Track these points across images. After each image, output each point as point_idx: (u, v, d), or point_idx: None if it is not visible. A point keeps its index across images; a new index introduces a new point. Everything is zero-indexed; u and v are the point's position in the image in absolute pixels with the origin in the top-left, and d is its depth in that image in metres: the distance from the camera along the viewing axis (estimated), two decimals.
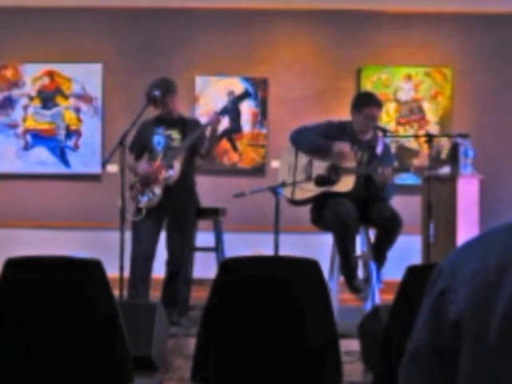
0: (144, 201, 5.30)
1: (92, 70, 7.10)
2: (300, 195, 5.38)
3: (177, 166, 5.31)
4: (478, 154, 6.31)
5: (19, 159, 7.13)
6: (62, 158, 7.14)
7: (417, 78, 7.13)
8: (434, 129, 7.01)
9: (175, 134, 5.43)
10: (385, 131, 5.54)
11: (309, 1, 7.00)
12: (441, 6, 7.02)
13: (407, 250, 5.99)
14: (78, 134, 7.13)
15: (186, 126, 5.46)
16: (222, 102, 6.72)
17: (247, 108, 7.04)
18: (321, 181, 5.35)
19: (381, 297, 5.37)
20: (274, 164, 6.81)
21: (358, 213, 5.21)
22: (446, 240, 6.03)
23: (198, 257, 5.80)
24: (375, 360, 3.41)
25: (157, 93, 5.31)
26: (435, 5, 7.00)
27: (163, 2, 7.04)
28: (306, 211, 5.50)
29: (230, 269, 3.27)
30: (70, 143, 7.14)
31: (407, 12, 7.10)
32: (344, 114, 5.67)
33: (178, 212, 5.36)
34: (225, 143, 7.00)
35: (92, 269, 3.18)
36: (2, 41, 7.15)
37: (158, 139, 5.43)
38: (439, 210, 5.88)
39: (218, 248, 5.73)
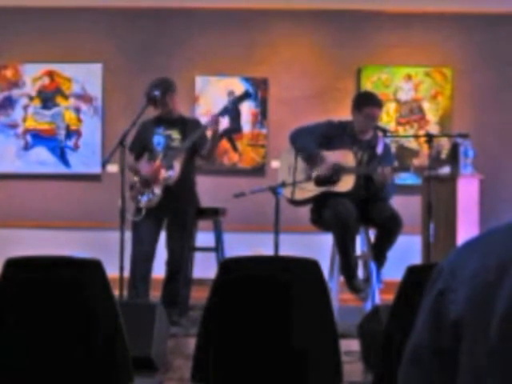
0: (144, 201, 5.30)
1: (92, 70, 7.10)
2: (300, 195, 5.38)
3: (177, 166, 5.31)
4: (478, 153, 6.31)
5: (19, 159, 7.13)
6: (62, 158, 7.14)
7: (417, 77, 7.13)
8: (433, 129, 7.01)
9: (175, 134, 5.43)
10: (385, 131, 5.54)
11: (309, 1, 7.00)
12: (441, 5, 7.02)
13: (407, 250, 5.99)
14: (77, 133, 7.13)
15: (186, 125, 5.46)
16: (221, 102, 6.72)
17: (247, 108, 7.04)
18: (321, 181, 5.35)
19: (381, 297, 5.37)
20: (274, 164, 6.81)
21: (358, 213, 5.21)
22: (446, 240, 6.03)
23: (198, 257, 5.80)
24: (375, 360, 3.41)
25: (157, 93, 5.31)
26: (435, 5, 7.00)
27: (163, 2, 7.04)
28: (305, 211, 5.50)
29: (230, 269, 3.27)
30: (70, 143, 7.14)
31: (407, 12, 7.11)
32: (344, 114, 5.67)
33: (178, 212, 5.36)
34: (225, 143, 7.00)
35: (92, 269, 3.18)
36: (2, 41, 7.15)
37: (158, 139, 5.43)
38: (439, 210, 5.88)
39: (218, 248, 5.73)
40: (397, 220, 5.19)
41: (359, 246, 5.46)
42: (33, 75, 7.14)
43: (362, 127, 5.40)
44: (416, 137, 6.86)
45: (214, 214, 5.70)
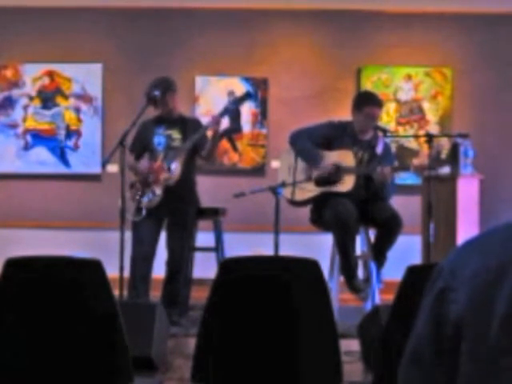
0: (145, 201, 5.30)
1: (92, 70, 7.10)
2: (300, 195, 5.38)
3: (177, 166, 5.31)
4: (478, 153, 6.31)
5: (19, 159, 7.13)
6: (62, 158, 7.14)
7: (417, 77, 7.13)
8: (434, 129, 7.01)
9: (175, 134, 5.43)
10: (385, 131, 5.54)
11: (309, 1, 7.00)
12: (441, 5, 7.02)
13: (407, 250, 5.99)
14: (78, 134, 7.14)
15: (186, 125, 5.46)
16: (221, 102, 6.73)
17: (247, 108, 7.04)
18: (321, 181, 5.35)
19: (381, 297, 5.37)
20: (274, 164, 6.81)
21: (358, 213, 5.22)
22: (446, 240, 6.03)
23: (198, 257, 5.80)
24: (375, 360, 3.41)
25: (157, 93, 5.31)
26: (435, 5, 7.00)
27: (163, 2, 7.04)
28: (305, 211, 5.50)
29: (230, 269, 3.27)
30: (70, 143, 7.14)
31: (407, 12, 7.11)
32: (344, 114, 5.67)
33: (178, 212, 5.36)
34: (225, 143, 7.00)
35: (92, 269, 3.18)
36: (2, 41, 7.15)
37: (159, 139, 5.43)
38: (439, 210, 5.88)
39: (218, 248, 5.73)
40: (397, 220, 5.19)
41: (359, 246, 5.46)
42: (33, 75, 7.14)
43: (362, 127, 5.40)
44: (416, 137, 6.86)
45: (213, 214, 5.70)
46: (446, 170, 6.21)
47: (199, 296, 5.06)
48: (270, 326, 3.20)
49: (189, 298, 5.51)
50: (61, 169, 7.14)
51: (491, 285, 0.93)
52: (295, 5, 7.05)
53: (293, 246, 5.68)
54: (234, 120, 7.03)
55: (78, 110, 7.14)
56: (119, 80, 7.13)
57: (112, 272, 3.65)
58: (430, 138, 5.22)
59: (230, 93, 7.02)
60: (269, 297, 3.22)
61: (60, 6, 7.09)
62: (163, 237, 5.40)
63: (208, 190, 6.26)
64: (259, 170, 7.11)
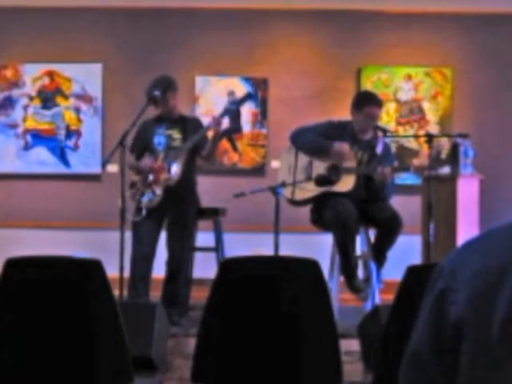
0: (145, 201, 5.30)
1: (92, 70, 7.10)
2: (300, 195, 5.38)
3: (178, 167, 5.31)
4: (478, 153, 6.31)
5: (19, 159, 7.13)
6: (62, 158, 7.14)
7: (417, 77, 7.13)
8: (434, 129, 7.01)
9: (176, 134, 5.43)
10: (385, 131, 5.55)
11: (309, 1, 7.00)
12: (441, 5, 7.02)
13: (407, 250, 5.99)
14: (78, 134, 7.14)
15: (187, 125, 5.46)
16: (222, 102, 6.74)
17: (247, 108, 7.03)
18: (321, 181, 5.35)
19: (381, 297, 5.37)
20: (274, 164, 6.81)
21: (358, 213, 5.21)
22: (446, 240, 6.03)
23: (198, 257, 5.80)
24: (375, 360, 3.41)
25: (157, 93, 5.30)
26: (435, 5, 7.00)
27: (163, 2, 7.04)
28: (305, 211, 5.50)
29: (230, 269, 3.27)
30: (70, 143, 7.14)
31: (407, 12, 7.11)
32: (344, 114, 5.67)
33: (178, 212, 5.36)
34: (225, 143, 7.00)
35: (92, 269, 3.18)
36: (2, 41, 7.15)
37: (159, 139, 5.43)
38: (439, 210, 5.88)
39: (218, 248, 5.73)
40: (397, 220, 5.19)
41: (359, 246, 5.46)
42: (33, 75, 7.14)
43: (362, 127, 5.40)
44: (416, 137, 6.86)
45: (213, 213, 5.70)
46: (445, 170, 6.21)
47: (199, 296, 5.06)
48: (270, 326, 3.20)
49: (189, 298, 5.51)
50: (61, 169, 7.14)
51: (492, 285, 0.93)
52: (295, 5, 7.05)
53: (293, 246, 5.68)
54: (234, 120, 7.03)
55: (78, 110, 7.14)
56: (119, 80, 7.13)
57: (112, 272, 3.65)
58: (429, 137, 5.22)
59: (230, 93, 7.03)
60: (269, 297, 3.22)
61: (60, 5, 7.09)
62: (163, 237, 5.40)
63: (208, 190, 6.26)
64: (259, 170, 7.11)
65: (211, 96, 7.08)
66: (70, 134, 7.14)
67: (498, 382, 0.91)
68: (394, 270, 4.57)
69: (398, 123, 7.13)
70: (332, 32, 7.15)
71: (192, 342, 3.43)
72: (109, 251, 5.17)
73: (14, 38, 7.15)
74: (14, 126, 7.14)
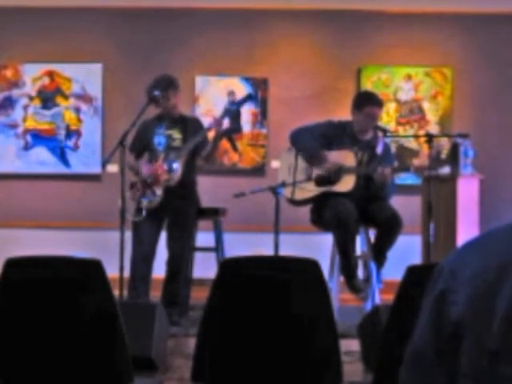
0: (144, 201, 5.30)
1: (92, 70, 7.10)
2: (300, 195, 5.38)
3: (178, 168, 5.31)
4: (478, 153, 6.31)
5: (19, 159, 7.13)
6: (62, 158, 7.14)
7: (417, 78, 7.13)
8: (434, 129, 7.01)
9: (176, 134, 5.43)
10: (385, 131, 5.55)
11: (309, 1, 7.00)
12: (441, 5, 7.02)
13: (407, 250, 5.98)
14: (78, 134, 7.13)
15: (187, 125, 5.46)
16: (222, 102, 6.74)
17: (247, 108, 7.03)
18: (321, 181, 5.35)
19: (381, 297, 5.37)
20: (274, 164, 6.81)
21: (358, 213, 5.22)
22: (446, 240, 6.02)
23: (198, 257, 5.80)
24: (375, 360, 3.41)
25: (157, 93, 5.30)
26: (435, 5, 7.00)
27: (163, 2, 7.04)
28: (306, 211, 5.50)
29: (230, 269, 3.27)
30: (70, 143, 7.14)
31: (407, 12, 7.10)
32: (344, 114, 5.67)
33: (178, 212, 5.36)
34: (225, 143, 7.00)
35: (92, 269, 3.18)
36: (2, 41, 7.15)
37: (159, 139, 5.42)
38: (439, 210, 5.88)
39: (218, 248, 5.73)
40: (397, 220, 5.19)
41: (359, 246, 5.46)
42: (33, 75, 7.14)
43: (362, 127, 5.40)
44: (416, 137, 6.86)
45: (214, 213, 5.70)
46: (446, 170, 6.21)
47: (199, 296, 5.06)
48: (270, 326, 3.20)
49: (189, 297, 5.51)
50: (61, 169, 7.14)
51: (491, 285, 0.93)
52: (295, 5, 7.05)
53: (293, 246, 5.68)
54: (234, 120, 7.03)
55: (78, 110, 7.14)
56: (119, 80, 7.13)
57: (112, 272, 3.65)
58: (429, 138, 5.22)
59: (230, 93, 7.03)
60: (269, 297, 3.22)
61: (60, 5, 7.09)
62: (163, 237, 5.40)
63: (208, 189, 6.26)
64: (259, 170, 7.11)
65: (211, 96, 7.08)
66: (69, 133, 7.14)
67: (498, 382, 0.91)
68: (394, 269, 4.57)
69: (398, 123, 7.13)
70: (332, 32, 7.15)
71: (192, 342, 3.43)
72: (109, 251, 5.17)
73: (14, 38, 7.15)
74: (13, 126, 7.14)
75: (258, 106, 7.13)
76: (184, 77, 6.86)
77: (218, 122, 5.29)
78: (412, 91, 7.14)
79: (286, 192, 5.32)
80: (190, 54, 7.12)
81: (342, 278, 5.38)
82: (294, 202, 5.43)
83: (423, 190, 6.13)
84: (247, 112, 7.08)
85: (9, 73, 7.15)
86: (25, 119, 7.15)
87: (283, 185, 5.18)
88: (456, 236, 6.01)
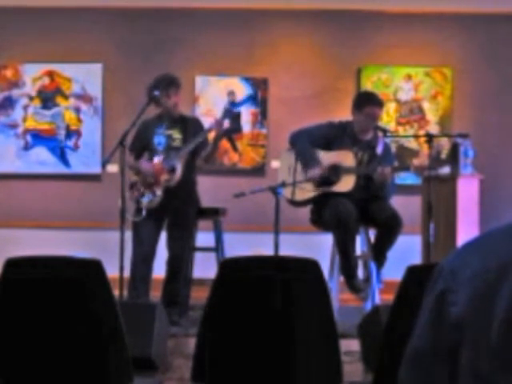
0: (145, 202, 5.30)
1: (92, 70, 7.10)
2: (300, 195, 5.38)
3: (178, 168, 5.31)
4: (478, 153, 6.31)
5: (19, 159, 7.13)
6: (62, 158, 7.14)
7: (417, 78, 7.13)
8: (434, 129, 7.01)
9: (176, 134, 5.43)
10: (385, 131, 5.55)
11: (309, 1, 7.00)
12: (441, 5, 7.02)
13: (407, 250, 5.98)
14: (78, 134, 7.14)
15: (187, 125, 5.46)
16: (222, 102, 6.75)
17: (247, 108, 7.03)
18: (321, 181, 5.35)
19: (381, 297, 5.37)
20: (274, 164, 6.81)
21: (358, 213, 5.22)
22: (446, 240, 6.02)
23: (198, 257, 5.80)
24: (375, 360, 3.41)
25: (157, 92, 5.30)
26: (435, 5, 7.00)
27: (163, 2, 7.04)
28: (305, 211, 5.50)
29: (230, 269, 3.27)
30: (70, 143, 7.14)
31: (407, 12, 7.11)
32: (344, 114, 5.67)
33: (178, 212, 5.36)
34: (225, 143, 7.00)
35: (92, 269, 3.18)
36: (2, 41, 7.15)
37: (159, 139, 5.42)
38: (439, 210, 5.88)
39: (218, 248, 5.73)
40: (397, 220, 5.19)
41: (359, 246, 5.46)
42: (33, 75, 7.14)
43: (363, 127, 5.40)
44: (416, 137, 6.86)
45: (214, 213, 5.70)
46: (446, 169, 6.21)
47: (199, 296, 5.06)
48: (270, 326, 3.20)
49: (189, 297, 5.51)
50: (61, 169, 7.14)
51: (491, 285, 0.93)
52: (295, 5, 7.05)
53: (293, 246, 5.68)
54: (234, 120, 7.03)
55: (78, 110, 7.14)
56: (119, 80, 7.13)
57: (112, 272, 3.65)
58: (430, 137, 5.22)
59: (230, 93, 7.03)
60: (269, 297, 3.22)
61: (60, 5, 7.09)
62: (163, 237, 5.40)
63: (208, 190, 6.26)
64: (259, 170, 7.11)
65: (211, 96, 7.08)
66: (70, 134, 7.14)
67: (499, 382, 0.91)
68: (394, 269, 4.57)
69: (398, 123, 7.13)
70: (332, 32, 7.15)
71: (192, 342, 3.43)
72: (109, 251, 5.17)
73: (14, 38, 7.15)
74: (13, 126, 7.14)
75: (258, 106, 7.13)
76: (184, 77, 6.85)
77: (219, 124, 5.29)
78: (412, 91, 7.14)
79: (286, 193, 5.32)
80: (189, 54, 7.12)
81: (341, 278, 5.38)
82: (294, 203, 5.43)
83: (423, 190, 6.13)
84: (247, 112, 7.08)
85: (9, 73, 7.15)
86: (25, 119, 7.15)
87: (283, 185, 5.18)
88: (456, 236, 6.01)
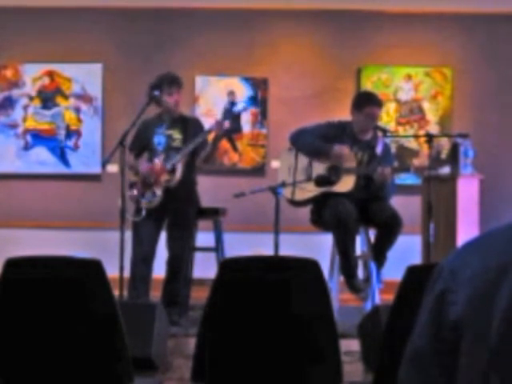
0: (145, 202, 5.30)
1: (92, 70, 7.10)
2: (300, 195, 5.38)
3: (178, 168, 5.30)
4: (478, 153, 6.31)
5: (19, 159, 7.13)
6: (62, 158, 7.14)
7: (417, 78, 7.13)
8: (434, 129, 7.00)
9: (176, 134, 5.42)
10: (385, 131, 5.55)
11: (309, 1, 7.00)
12: (441, 5, 7.02)
13: (407, 250, 5.98)
14: (78, 134, 7.14)
15: (187, 125, 5.46)
16: (222, 102, 6.74)
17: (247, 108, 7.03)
18: (321, 181, 5.35)
19: (381, 297, 5.37)
20: (274, 164, 6.81)
21: (357, 213, 5.22)
22: (446, 240, 6.02)
23: (198, 257, 5.80)
24: (375, 360, 3.41)
25: (157, 92, 5.30)
26: (435, 5, 7.00)
27: (163, 2, 7.04)
28: (305, 211, 5.50)
29: (230, 269, 3.27)
30: (70, 143, 7.14)
31: (407, 12, 7.10)
32: (344, 114, 5.67)
33: (178, 212, 5.36)
34: (225, 143, 7.00)
35: (92, 269, 3.18)
36: (2, 41, 7.15)
37: (159, 139, 5.42)
38: (439, 210, 5.88)
39: (218, 248, 5.73)
40: (397, 220, 5.19)
41: (359, 246, 5.46)
42: (33, 75, 7.14)
43: (362, 127, 5.40)
44: (416, 137, 6.85)
45: (214, 213, 5.70)
46: (446, 170, 6.21)
47: (199, 296, 5.06)
48: (270, 326, 3.20)
49: (189, 297, 5.51)
50: (61, 169, 7.14)
51: (491, 285, 0.93)
52: (295, 5, 7.05)
53: (293, 246, 5.68)
54: (234, 120, 7.03)
55: (78, 110, 7.14)
56: (119, 80, 7.13)
57: (112, 272, 3.65)
58: (430, 138, 5.22)
59: (230, 93, 7.03)
60: (269, 297, 3.22)
61: (60, 5, 7.09)
62: (163, 237, 5.40)
63: (208, 190, 6.26)
64: (259, 170, 7.11)
65: (211, 96, 7.08)
66: (70, 133, 7.14)
67: (498, 381, 0.91)
68: (394, 269, 4.57)
69: (398, 123, 7.13)
70: (332, 32, 7.15)
71: (192, 342, 3.43)
72: (109, 251, 5.17)
73: (14, 38, 7.15)
74: (14, 126, 7.14)
75: (258, 106, 7.13)
76: (184, 77, 6.83)
77: (219, 124, 5.30)
78: (412, 91, 7.14)
79: (286, 193, 5.32)
80: (189, 54, 7.12)
81: (342, 278, 5.38)
82: (294, 203, 5.43)
83: (423, 189, 6.13)
84: (247, 112, 7.08)
85: (9, 73, 7.15)
86: (25, 119, 7.15)
87: (283, 185, 5.18)
88: (456, 236, 6.01)
